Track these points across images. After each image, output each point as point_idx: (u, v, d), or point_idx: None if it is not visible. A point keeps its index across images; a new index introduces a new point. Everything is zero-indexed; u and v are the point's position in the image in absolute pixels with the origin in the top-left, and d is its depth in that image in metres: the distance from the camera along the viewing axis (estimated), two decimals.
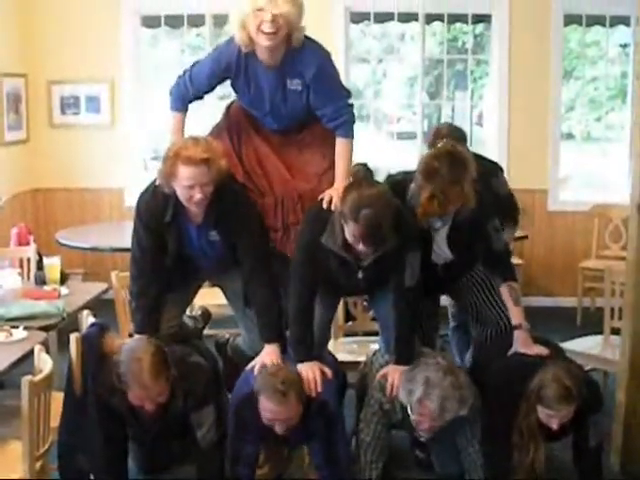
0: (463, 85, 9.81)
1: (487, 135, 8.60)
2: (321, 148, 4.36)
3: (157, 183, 4.03)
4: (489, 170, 4.96)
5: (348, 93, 4.32)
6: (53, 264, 5.34)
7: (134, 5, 8.09)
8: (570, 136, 10.18)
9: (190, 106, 4.42)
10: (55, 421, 3.92)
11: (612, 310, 5.24)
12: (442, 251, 4.24)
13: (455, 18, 8.20)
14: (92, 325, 4.18)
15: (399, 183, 4.21)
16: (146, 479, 4.55)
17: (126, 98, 8.13)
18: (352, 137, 4.31)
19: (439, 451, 4.46)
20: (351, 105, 4.31)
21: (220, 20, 7.92)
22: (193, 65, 4.36)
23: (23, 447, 3.54)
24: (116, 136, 8.13)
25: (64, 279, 5.40)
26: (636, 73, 4.33)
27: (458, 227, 4.16)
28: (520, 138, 7.95)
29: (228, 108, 4.57)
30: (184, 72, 4.36)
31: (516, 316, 4.25)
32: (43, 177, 8.17)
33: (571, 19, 8.10)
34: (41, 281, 5.34)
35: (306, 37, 4.19)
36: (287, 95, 4.22)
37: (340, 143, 4.27)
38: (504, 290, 4.28)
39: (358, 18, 8.19)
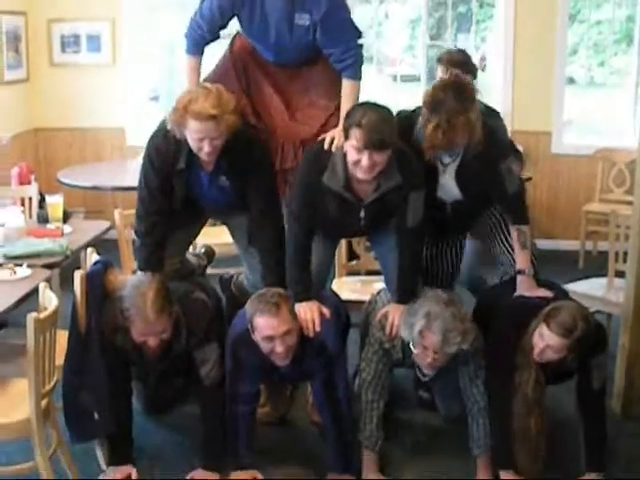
0: (465, 28, 9.73)
1: (490, 78, 8.53)
2: (328, 89, 4.32)
3: (168, 127, 3.99)
4: (486, 113, 4.91)
5: (359, 33, 4.26)
6: (56, 202, 5.30)
7: None
8: (572, 80, 10.11)
9: None
10: (60, 359, 3.92)
11: (616, 254, 5.23)
12: (450, 189, 4.19)
13: None
14: (96, 263, 4.16)
15: (407, 118, 4.15)
16: (150, 420, 4.57)
17: (127, 37, 8.05)
18: (360, 79, 4.27)
19: (442, 392, 4.48)
20: (361, 46, 4.26)
21: None
22: (201, 2, 4.30)
23: (29, 385, 3.53)
24: (117, 75, 8.06)
25: (67, 217, 5.37)
26: None
27: (467, 164, 4.10)
28: (524, 81, 7.89)
29: (232, 42, 4.52)
30: (195, 12, 4.31)
31: (521, 260, 4.24)
32: (44, 117, 8.12)
33: None
34: (44, 219, 5.31)
35: None
36: (293, 28, 4.17)
37: (347, 84, 4.24)
38: (513, 233, 4.27)
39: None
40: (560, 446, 4.20)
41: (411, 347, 3.87)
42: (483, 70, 9.28)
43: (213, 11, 4.24)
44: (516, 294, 4.21)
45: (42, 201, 5.68)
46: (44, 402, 3.67)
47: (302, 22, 4.15)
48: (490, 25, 8.81)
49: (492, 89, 8.16)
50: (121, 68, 8.07)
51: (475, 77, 5.36)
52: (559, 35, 7.89)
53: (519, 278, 4.22)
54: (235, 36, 4.52)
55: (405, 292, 4.12)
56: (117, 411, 4.02)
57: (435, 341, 3.74)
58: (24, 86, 7.98)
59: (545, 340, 3.77)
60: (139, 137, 7.13)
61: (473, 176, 4.13)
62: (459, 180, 4.16)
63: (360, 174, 3.83)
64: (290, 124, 4.33)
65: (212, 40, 4.36)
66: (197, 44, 4.35)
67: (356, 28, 4.26)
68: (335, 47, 4.17)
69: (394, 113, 3.97)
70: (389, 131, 3.76)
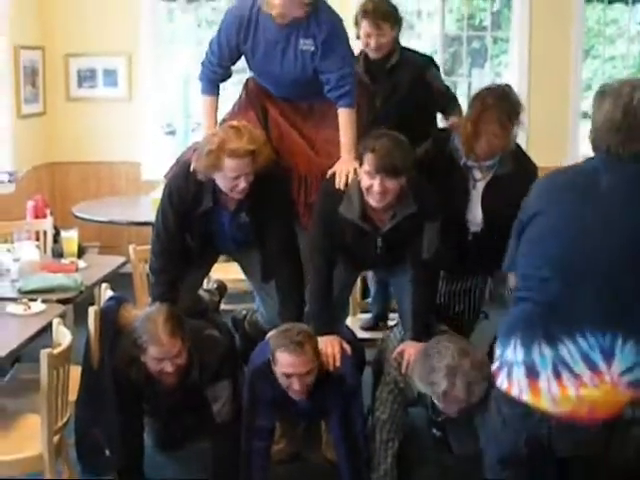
0: (479, 63, 9.75)
1: None
2: (334, 123, 4.31)
3: (192, 169, 4.00)
4: (423, 64, 4.90)
5: (354, 61, 4.30)
6: (71, 237, 5.31)
7: None
8: (587, 115, 10.08)
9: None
10: (73, 395, 3.92)
11: None
12: (476, 211, 4.18)
13: None
14: (110, 298, 4.19)
15: (444, 130, 4.20)
16: (161, 455, 4.55)
17: (143, 72, 8.09)
18: (354, 106, 4.26)
19: (456, 430, 4.44)
20: (354, 75, 4.27)
21: None
22: (210, 43, 4.36)
23: (41, 421, 3.54)
24: (133, 110, 8.10)
25: (81, 252, 5.38)
26: None
27: (497, 183, 4.10)
28: (540, 116, 7.87)
29: (245, 85, 4.56)
30: (206, 53, 4.37)
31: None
32: (60, 150, 8.15)
33: None
34: (58, 254, 5.33)
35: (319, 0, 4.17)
36: (297, 54, 4.18)
37: (343, 113, 4.23)
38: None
39: None
40: None
41: (434, 400, 3.82)
42: None
43: (221, 46, 4.29)
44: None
45: (57, 235, 5.69)
46: (56, 438, 3.66)
47: (307, 47, 4.16)
48: (505, 60, 8.83)
49: None
50: (137, 102, 8.10)
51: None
52: (573, 70, 7.91)
53: None
54: (247, 80, 4.57)
55: (420, 328, 4.10)
56: (129, 447, 4.03)
57: (461, 397, 3.70)
58: (41, 120, 8.02)
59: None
60: (154, 171, 7.15)
61: (500, 196, 4.08)
62: (485, 199, 4.14)
63: (373, 201, 3.85)
64: (312, 158, 4.35)
65: (224, 77, 4.42)
66: (211, 82, 4.39)
67: (352, 55, 4.29)
68: (333, 72, 4.17)
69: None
70: (402, 157, 3.78)
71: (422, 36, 5.01)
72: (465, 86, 9.39)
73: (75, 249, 5.30)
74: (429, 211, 4.00)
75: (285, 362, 3.74)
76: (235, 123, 4.02)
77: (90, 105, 8.11)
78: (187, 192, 4.08)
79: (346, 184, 4.00)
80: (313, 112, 4.43)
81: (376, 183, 3.78)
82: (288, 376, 3.76)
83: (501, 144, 4.07)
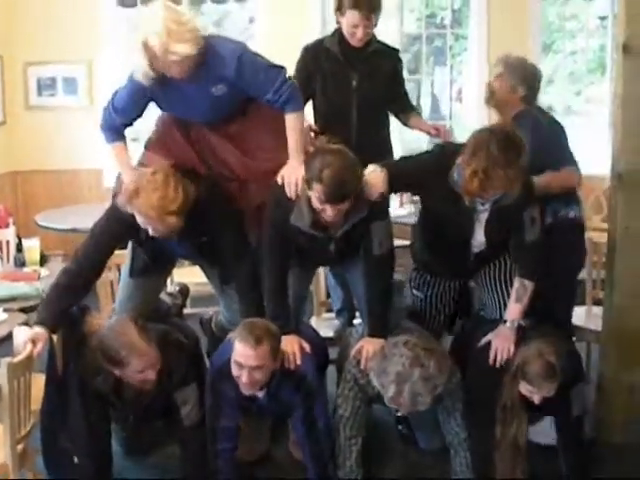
0: (442, 61, 9.78)
1: (467, 110, 8.58)
2: (267, 127, 4.27)
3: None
4: (396, 56, 4.98)
5: (281, 70, 4.14)
6: (32, 246, 5.30)
7: None
8: (551, 109, 10.17)
9: None
10: (36, 403, 3.89)
11: (594, 281, 5.24)
12: (477, 238, 4.15)
13: None
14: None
15: (451, 154, 4.02)
16: (130, 461, 4.53)
17: (104, 79, 8.05)
18: (299, 109, 4.20)
19: (420, 426, 4.48)
20: (288, 79, 4.15)
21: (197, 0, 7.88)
22: (114, 94, 4.23)
23: (4, 430, 3.54)
24: (94, 117, 8.03)
25: (44, 261, 5.37)
26: (616, 44, 4.32)
27: (498, 214, 4.05)
28: None
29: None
30: (108, 103, 4.25)
31: (511, 311, 4.15)
32: (21, 159, 8.11)
33: None
34: (20, 263, 5.31)
35: (211, 41, 4.01)
36: (213, 101, 4.09)
37: (289, 118, 4.16)
38: (515, 283, 4.17)
39: None
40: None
41: (385, 400, 3.85)
42: (460, 102, 9.35)
43: (127, 104, 4.16)
44: (485, 339, 4.16)
45: (20, 244, 5.66)
46: (20, 447, 3.66)
47: (220, 92, 4.06)
48: (466, 58, 8.87)
49: (468, 121, 8.21)
50: (98, 110, 8.03)
51: None
52: None
53: (500, 326, 4.15)
54: None
55: (376, 324, 4.14)
56: (97, 454, 4.02)
57: (406, 405, 3.76)
58: (1, 129, 7.98)
59: (535, 392, 3.79)
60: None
61: (501, 226, 4.10)
62: (487, 230, 4.11)
63: (326, 218, 3.89)
64: (248, 163, 4.29)
65: (126, 127, 4.30)
66: (115, 131, 4.28)
67: (275, 66, 4.14)
68: (265, 94, 4.08)
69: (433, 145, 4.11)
70: (351, 182, 3.79)
71: (381, 35, 5.04)
72: (428, 84, 9.45)
73: (37, 258, 5.29)
74: (376, 212, 4.02)
75: (239, 351, 3.76)
76: (160, 175, 3.92)
77: (50, 113, 8.07)
78: (122, 222, 4.06)
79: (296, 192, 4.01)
80: (237, 124, 4.32)
81: (327, 208, 3.81)
82: (239, 366, 3.77)
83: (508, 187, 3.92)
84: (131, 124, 4.29)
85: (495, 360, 4.03)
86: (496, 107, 4.85)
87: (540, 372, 3.74)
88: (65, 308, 4.05)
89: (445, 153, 4.11)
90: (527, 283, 4.11)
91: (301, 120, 4.22)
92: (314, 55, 4.74)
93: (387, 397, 3.76)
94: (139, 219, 3.91)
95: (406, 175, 4.15)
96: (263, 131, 4.28)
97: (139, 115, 4.25)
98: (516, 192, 3.91)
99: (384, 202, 4.08)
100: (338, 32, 4.70)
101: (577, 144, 4.82)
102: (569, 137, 4.61)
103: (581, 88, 9.28)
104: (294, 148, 4.14)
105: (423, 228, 4.48)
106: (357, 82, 4.68)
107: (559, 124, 4.66)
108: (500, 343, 4.06)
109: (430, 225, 4.37)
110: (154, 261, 4.28)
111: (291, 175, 4.04)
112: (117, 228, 4.11)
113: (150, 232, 3.95)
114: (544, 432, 4.22)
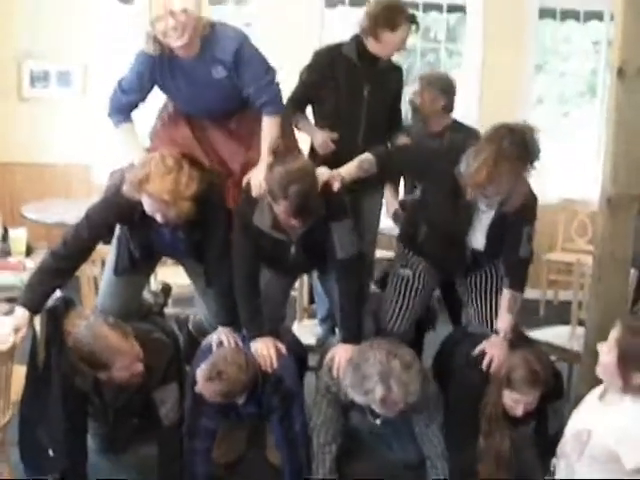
0: None
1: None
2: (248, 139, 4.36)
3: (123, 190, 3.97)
4: (402, 76, 5.04)
5: (271, 71, 4.27)
6: (19, 236, 5.29)
7: None
8: (537, 130, 10.17)
9: None
10: (17, 394, 3.89)
11: (579, 303, 5.28)
12: (477, 238, 4.18)
13: (430, 7, 8.18)
14: (57, 299, 4.15)
15: (457, 148, 4.10)
16: (105, 459, 4.52)
17: (98, 74, 8.03)
18: (277, 113, 4.30)
19: (397, 437, 4.48)
20: (275, 82, 4.28)
21: None
22: (120, 79, 4.33)
23: None
24: (86, 112, 8.04)
25: (30, 252, 5.35)
26: (611, 68, 4.35)
27: (502, 220, 4.09)
28: None
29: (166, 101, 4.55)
30: (114, 88, 4.34)
31: (502, 321, 4.21)
32: (10, 150, 8.08)
33: (546, 13, 8.13)
34: (6, 253, 5.29)
35: (216, 24, 4.18)
36: (215, 84, 4.19)
37: (265, 120, 4.27)
38: (505, 295, 4.23)
39: (333, 2, 8.13)
40: None
41: (373, 407, 3.85)
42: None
43: (133, 84, 4.28)
44: (478, 348, 4.20)
45: (5, 234, 5.64)
46: None
47: (220, 75, 4.17)
48: (459, 74, 8.90)
49: None
50: (90, 105, 8.05)
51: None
52: (525, 85, 8.02)
53: (493, 336, 4.20)
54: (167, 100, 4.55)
55: (349, 330, 4.17)
56: (72, 448, 4.02)
57: (399, 399, 3.74)
58: None
59: (520, 401, 3.83)
60: (105, 174, 7.08)
61: (504, 232, 4.13)
62: (490, 234, 4.15)
63: (290, 224, 3.94)
64: (246, 159, 4.35)
65: (136, 106, 4.39)
66: (123, 112, 4.36)
67: (268, 65, 4.27)
68: (249, 86, 4.19)
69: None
70: (314, 200, 3.85)
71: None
72: None
73: (23, 248, 5.28)
74: (333, 212, 4.05)
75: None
76: (171, 160, 3.93)
77: (42, 106, 8.04)
78: (119, 207, 4.07)
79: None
80: (245, 116, 4.40)
81: (292, 220, 3.87)
82: None
83: (512, 187, 3.97)
84: (137, 105, 4.37)
85: (489, 367, 4.06)
86: (422, 120, 5.24)
87: (525, 378, 3.79)
88: (49, 291, 4.05)
89: (456, 145, 4.20)
90: (517, 295, 4.21)
91: (277, 124, 4.30)
92: (331, 61, 4.76)
93: (376, 401, 3.74)
94: (149, 205, 3.89)
95: (409, 157, 4.37)
96: (259, 130, 4.31)
97: (144, 96, 4.34)
98: (518, 200, 3.98)
99: (341, 201, 4.11)
100: (356, 41, 4.73)
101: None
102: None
103: (569, 110, 9.31)
104: (265, 150, 4.21)
105: (418, 214, 4.45)
106: (368, 92, 4.72)
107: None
108: (495, 352, 4.10)
109: (425, 214, 4.36)
110: (140, 255, 4.27)
111: (258, 176, 4.09)
112: (115, 210, 4.10)
113: (158, 219, 3.92)
114: None
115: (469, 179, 3.88)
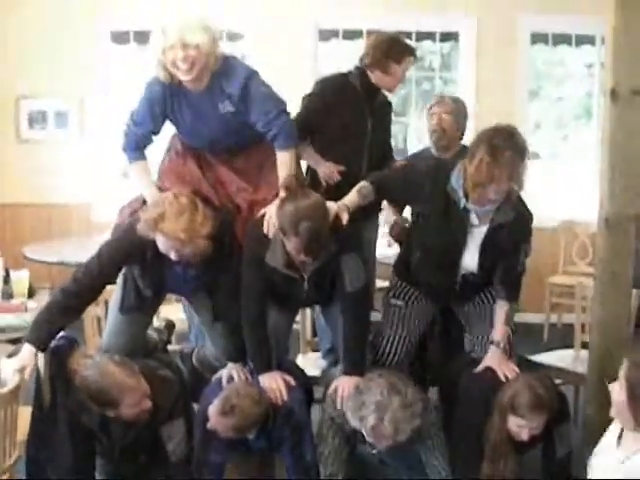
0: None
1: None
2: (271, 162, 4.34)
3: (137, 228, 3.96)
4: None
5: (281, 104, 4.27)
6: (21, 277, 5.31)
7: (104, 21, 8.08)
8: (537, 155, 10.22)
9: None
10: (22, 435, 3.89)
11: (582, 325, 5.27)
12: (470, 259, 4.15)
13: (423, 36, 8.25)
14: (60, 338, 4.15)
15: (445, 166, 4.15)
16: None
17: (94, 114, 8.09)
18: (289, 146, 4.28)
19: (405, 466, 4.45)
20: (286, 114, 4.28)
21: None
22: (131, 113, 4.34)
23: None
24: (84, 152, 8.09)
25: (32, 293, 5.36)
26: (604, 91, 4.38)
27: (495, 234, 4.07)
28: None
29: (174, 136, 4.57)
30: (126, 124, 4.34)
31: (498, 333, 4.23)
32: (10, 192, 8.11)
33: (538, 38, 8.19)
34: (8, 295, 5.31)
35: (228, 57, 4.22)
36: (220, 118, 4.20)
37: (279, 154, 4.27)
38: (502, 306, 4.25)
39: (327, 36, 8.20)
40: None
41: (364, 435, 3.86)
42: None
43: (145, 116, 4.28)
44: (481, 365, 4.22)
45: (7, 277, 5.66)
46: (4, 477, 3.64)
47: (227, 109, 4.18)
48: None
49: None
50: (88, 144, 8.10)
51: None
52: (519, 111, 8.04)
53: (492, 348, 4.22)
54: (175, 134, 4.57)
55: (352, 362, 4.16)
56: None
57: (387, 434, 3.75)
58: None
59: (525, 426, 3.82)
60: (105, 213, 7.14)
61: (498, 247, 4.11)
62: (483, 251, 4.12)
63: (300, 259, 3.95)
64: (253, 197, 4.38)
65: (150, 142, 4.40)
66: (138, 149, 4.37)
67: (277, 98, 4.27)
68: (259, 121, 4.20)
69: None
70: (325, 237, 3.86)
71: None
72: (415, 127, 9.50)
73: (25, 290, 5.29)
74: (343, 245, 4.05)
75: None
76: (185, 199, 3.91)
77: (41, 147, 8.09)
78: (132, 245, 4.06)
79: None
80: (251, 153, 4.43)
81: (302, 256, 3.88)
82: None
83: (506, 191, 3.96)
84: (151, 139, 4.37)
85: (495, 389, 4.02)
86: (443, 148, 5.23)
87: (529, 403, 3.77)
88: (57, 329, 4.03)
89: (443, 163, 4.29)
90: (513, 306, 4.26)
91: (289, 157, 4.28)
92: (339, 88, 4.81)
93: (367, 428, 3.75)
94: (164, 244, 3.87)
95: (401, 180, 4.30)
96: (267, 166, 4.34)
97: (157, 126, 4.34)
98: (510, 211, 4.00)
99: (352, 235, 4.11)
100: (360, 73, 4.78)
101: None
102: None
103: (567, 134, 9.36)
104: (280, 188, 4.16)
105: (412, 240, 4.43)
106: (371, 125, 4.81)
107: None
108: (503, 367, 4.13)
109: (419, 238, 4.33)
110: (150, 294, 4.27)
111: (272, 213, 4.06)
112: (128, 249, 4.08)
113: (172, 256, 3.89)
114: None
115: (469, 181, 3.90)
